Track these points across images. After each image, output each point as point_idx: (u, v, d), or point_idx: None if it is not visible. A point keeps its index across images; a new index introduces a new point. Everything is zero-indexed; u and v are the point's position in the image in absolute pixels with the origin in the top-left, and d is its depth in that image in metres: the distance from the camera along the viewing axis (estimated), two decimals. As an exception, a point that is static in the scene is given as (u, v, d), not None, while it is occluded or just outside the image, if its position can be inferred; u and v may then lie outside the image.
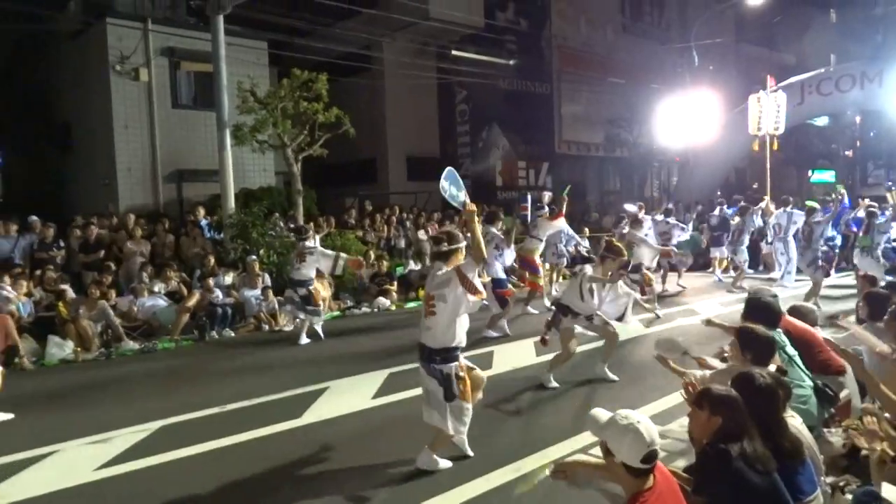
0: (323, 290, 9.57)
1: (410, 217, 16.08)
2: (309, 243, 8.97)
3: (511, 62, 21.52)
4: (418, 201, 19.46)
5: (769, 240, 12.88)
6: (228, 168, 12.00)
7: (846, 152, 30.85)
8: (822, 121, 28.17)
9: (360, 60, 18.49)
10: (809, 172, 31.26)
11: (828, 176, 31.55)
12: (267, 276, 10.83)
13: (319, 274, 9.32)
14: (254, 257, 10.92)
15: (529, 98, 22.37)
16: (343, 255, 9.12)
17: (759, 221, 12.97)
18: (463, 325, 4.30)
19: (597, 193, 25.48)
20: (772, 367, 3.41)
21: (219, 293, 10.03)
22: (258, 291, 10.34)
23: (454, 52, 19.86)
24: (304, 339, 9.00)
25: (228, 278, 10.65)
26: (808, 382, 3.83)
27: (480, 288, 4.16)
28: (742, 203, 13.90)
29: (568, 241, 11.32)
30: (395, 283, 12.51)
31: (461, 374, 4.33)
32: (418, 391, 6.34)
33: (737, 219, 13.12)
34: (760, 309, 4.17)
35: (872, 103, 18.55)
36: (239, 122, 12.12)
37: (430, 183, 21.09)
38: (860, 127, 29.20)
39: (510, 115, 21.86)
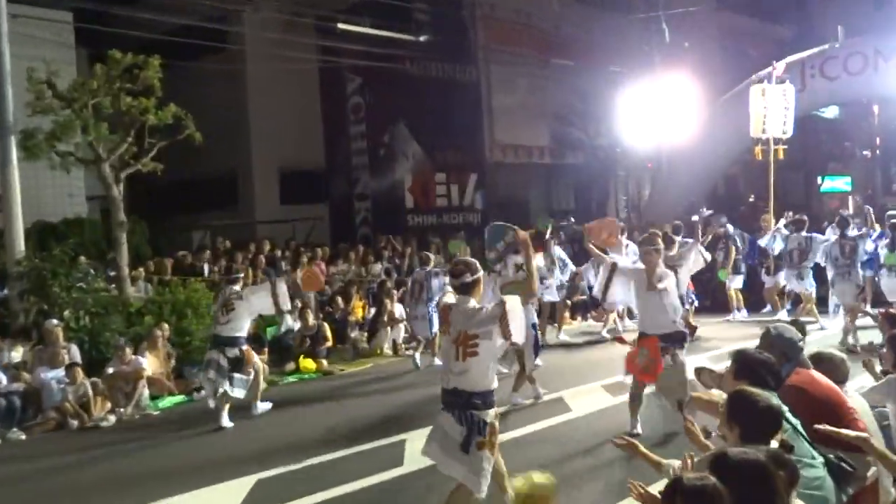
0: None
1: (286, 255, 15.93)
2: (237, 287, 9.59)
3: (421, 38, 21.85)
4: (297, 233, 19.28)
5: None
6: (16, 192, 11.68)
7: (864, 152, 32.63)
8: (831, 112, 29.70)
9: (211, 38, 18.34)
10: (819, 179, 32.82)
11: (841, 183, 33.20)
12: (75, 349, 10.51)
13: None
14: (55, 322, 10.57)
15: (448, 87, 22.76)
16: (280, 285, 9.62)
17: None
18: None
19: (544, 213, 25.97)
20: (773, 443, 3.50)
21: (2, 377, 9.68)
22: (62, 371, 10.00)
23: (341, 26, 20.01)
24: (226, 421, 9.23)
25: (16, 354, 10.30)
26: (820, 459, 3.96)
27: (516, 335, 5.17)
28: (796, 216, 14.39)
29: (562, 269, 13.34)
30: (266, 349, 12.32)
31: (496, 421, 5.26)
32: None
33: (791, 235, 13.66)
34: (753, 365, 4.31)
35: (890, 88, 19.60)
36: (31, 126, 11.88)
37: (313, 206, 21.17)
38: (879, 119, 30.88)
39: (423, 110, 22.11)
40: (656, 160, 22.99)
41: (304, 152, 21.16)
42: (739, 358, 4.40)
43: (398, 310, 13.97)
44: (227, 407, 9.28)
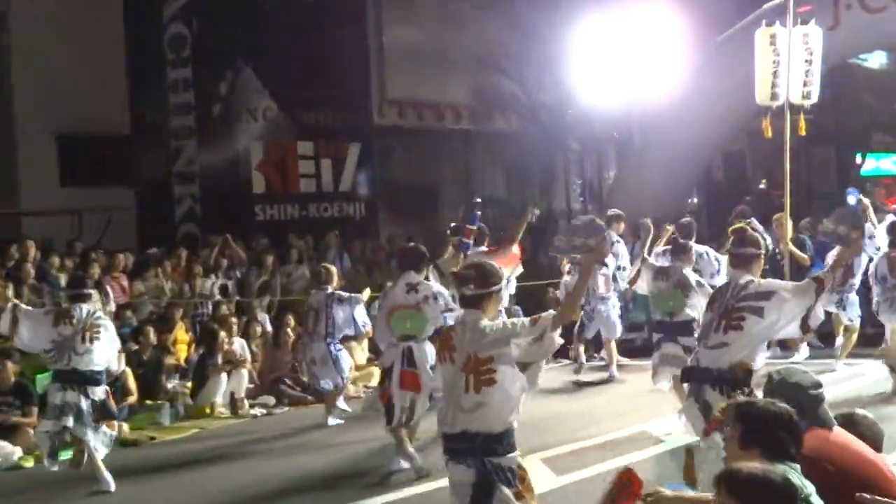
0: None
1: (67, 263, 15.78)
2: (90, 307, 9.98)
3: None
4: (85, 230, 19.05)
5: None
6: None
7: (921, 120, 33.76)
8: (876, 60, 30.66)
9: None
10: (858, 157, 33.67)
11: (890, 163, 34.12)
12: None
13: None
14: None
15: (318, 15, 22.72)
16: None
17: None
18: None
19: (462, 202, 26.04)
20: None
21: None
22: None
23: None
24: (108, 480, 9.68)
25: None
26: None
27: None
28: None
29: None
30: (35, 407, 12.12)
31: (522, 466, 5.81)
32: None
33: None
34: (767, 425, 4.40)
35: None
36: None
37: (111, 191, 20.85)
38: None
39: (279, 48, 22.13)
40: (625, 128, 23.38)
41: (98, 109, 20.92)
42: (745, 415, 4.41)
43: (239, 346, 13.93)
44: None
